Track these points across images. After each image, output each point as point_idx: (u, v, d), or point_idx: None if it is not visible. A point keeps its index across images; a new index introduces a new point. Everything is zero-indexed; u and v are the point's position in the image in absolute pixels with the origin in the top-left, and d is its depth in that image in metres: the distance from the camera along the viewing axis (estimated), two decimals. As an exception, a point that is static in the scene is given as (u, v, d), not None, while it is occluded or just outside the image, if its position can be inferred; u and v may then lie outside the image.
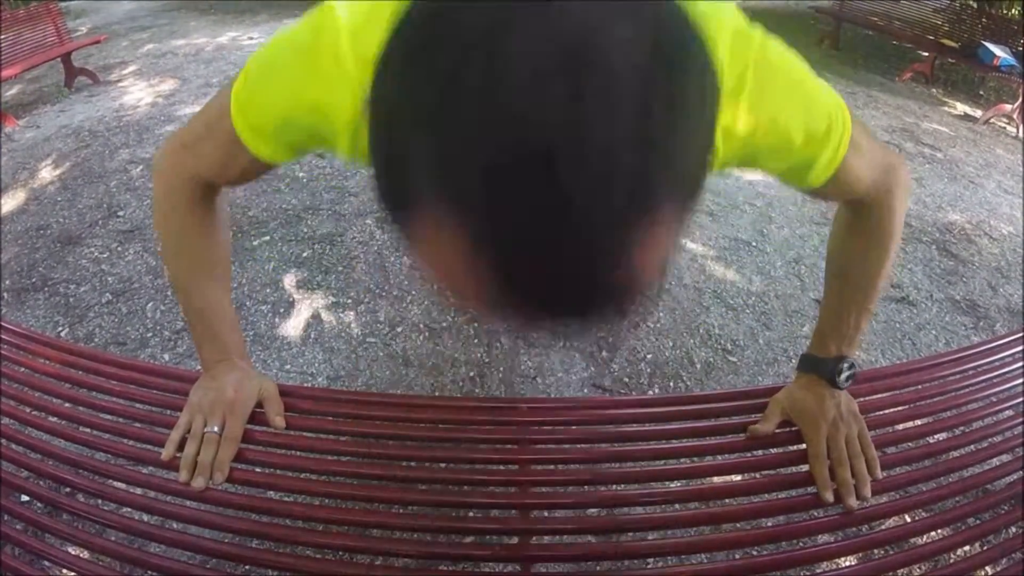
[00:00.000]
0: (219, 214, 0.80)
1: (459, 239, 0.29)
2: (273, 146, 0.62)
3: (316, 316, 2.08)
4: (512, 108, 0.26)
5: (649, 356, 1.96)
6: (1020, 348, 1.02)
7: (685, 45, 0.29)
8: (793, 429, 0.85)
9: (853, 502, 0.77)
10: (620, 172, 0.26)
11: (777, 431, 0.85)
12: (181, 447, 0.80)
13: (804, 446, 0.83)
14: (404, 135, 0.29)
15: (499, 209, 0.27)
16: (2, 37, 3.99)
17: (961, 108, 4.58)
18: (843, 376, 0.82)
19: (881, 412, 0.89)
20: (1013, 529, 0.85)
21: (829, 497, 0.77)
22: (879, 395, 0.92)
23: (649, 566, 0.79)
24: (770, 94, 0.55)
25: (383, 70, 0.30)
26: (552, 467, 0.87)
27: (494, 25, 0.26)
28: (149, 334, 2.01)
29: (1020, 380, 0.96)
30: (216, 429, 0.80)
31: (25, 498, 0.88)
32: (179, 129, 0.76)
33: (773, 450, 0.85)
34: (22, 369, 0.96)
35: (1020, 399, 0.93)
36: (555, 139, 0.25)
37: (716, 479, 0.88)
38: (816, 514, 0.81)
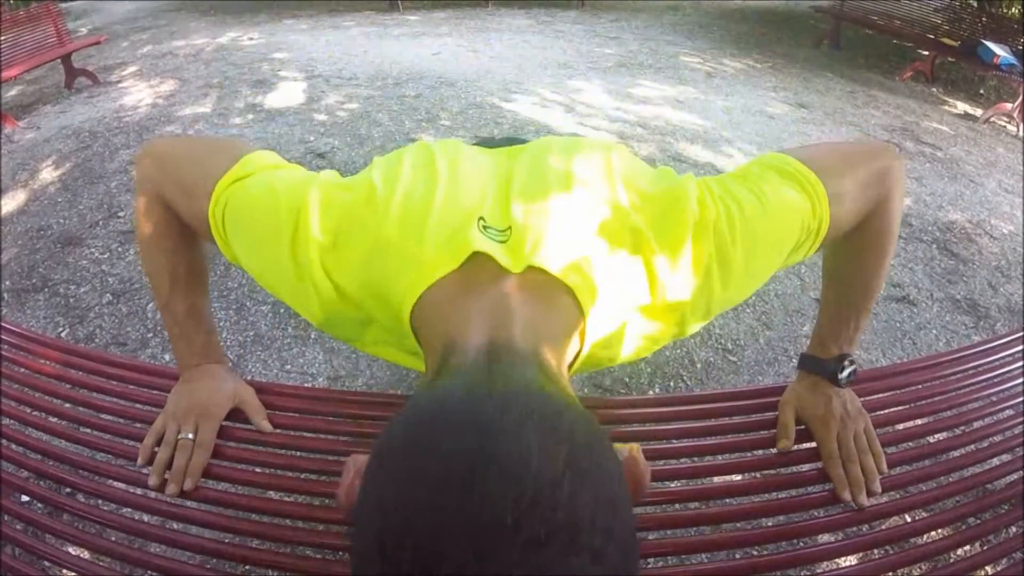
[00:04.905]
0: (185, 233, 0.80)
1: None
2: (234, 256, 0.68)
3: (316, 316, 2.08)
4: None
5: (649, 356, 1.96)
6: (1020, 348, 1.01)
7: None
8: (797, 429, 0.85)
9: (864, 500, 0.78)
10: None
11: (775, 431, 0.85)
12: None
13: (805, 446, 0.83)
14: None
15: None
16: (2, 38, 4.00)
17: (961, 107, 4.58)
18: (844, 375, 0.82)
19: (881, 412, 0.89)
20: (1013, 529, 0.85)
21: (848, 496, 0.78)
22: (879, 395, 0.92)
23: (649, 566, 0.79)
24: (741, 264, 0.60)
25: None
26: (552, 467, 0.87)
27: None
28: (149, 334, 2.01)
29: (1020, 380, 0.96)
30: (190, 436, 0.79)
31: (25, 498, 0.89)
32: (169, 143, 0.78)
33: (773, 450, 0.85)
34: (22, 370, 0.96)
35: (1020, 399, 0.93)
36: None
37: (716, 479, 0.88)
38: (816, 514, 0.81)
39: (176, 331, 0.83)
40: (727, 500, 0.87)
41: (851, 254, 0.79)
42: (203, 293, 0.85)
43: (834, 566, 0.80)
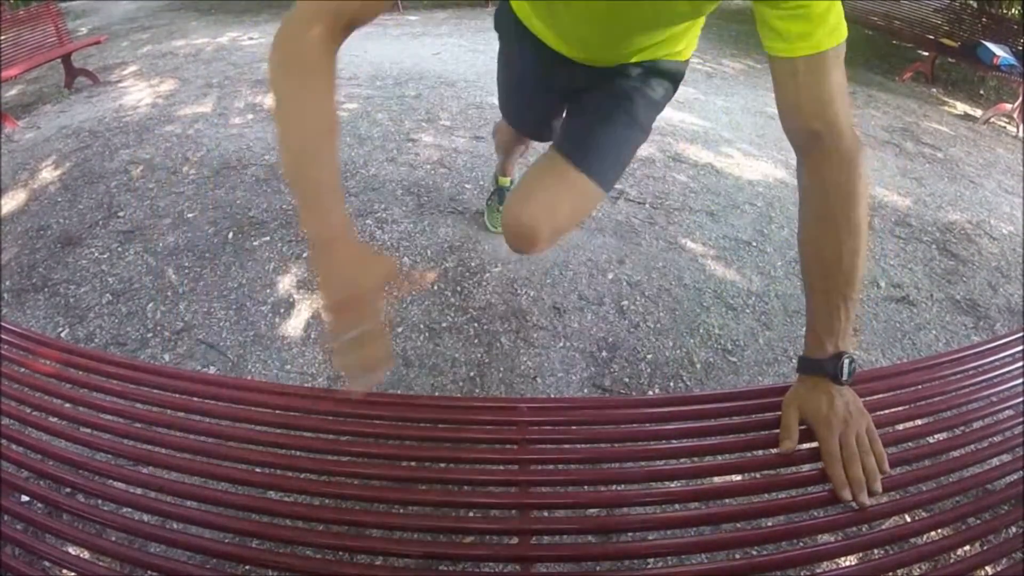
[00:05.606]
0: (335, 76, 0.77)
1: None
2: None
3: (316, 316, 2.08)
4: None
5: (649, 356, 1.96)
6: (1020, 348, 1.02)
7: None
8: (799, 429, 0.85)
9: (865, 499, 0.78)
10: None
11: (775, 431, 0.85)
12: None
13: (805, 446, 0.83)
14: None
15: None
16: (2, 38, 4.00)
17: (961, 108, 4.58)
18: (845, 372, 0.82)
19: (881, 412, 0.89)
20: (1013, 529, 0.85)
21: (847, 496, 0.78)
22: (879, 395, 0.93)
23: (649, 566, 0.79)
24: None
25: None
26: (552, 467, 0.87)
27: None
28: (149, 334, 2.01)
29: (1020, 380, 0.96)
30: (359, 331, 0.71)
31: (25, 498, 0.89)
32: None
33: (773, 450, 0.85)
34: (22, 369, 0.96)
35: (1020, 399, 0.93)
36: None
37: (716, 479, 0.88)
38: (816, 514, 0.81)
39: (313, 202, 0.74)
40: (727, 500, 0.87)
41: (829, 241, 0.82)
42: (338, 155, 0.79)
43: (834, 566, 0.80)
